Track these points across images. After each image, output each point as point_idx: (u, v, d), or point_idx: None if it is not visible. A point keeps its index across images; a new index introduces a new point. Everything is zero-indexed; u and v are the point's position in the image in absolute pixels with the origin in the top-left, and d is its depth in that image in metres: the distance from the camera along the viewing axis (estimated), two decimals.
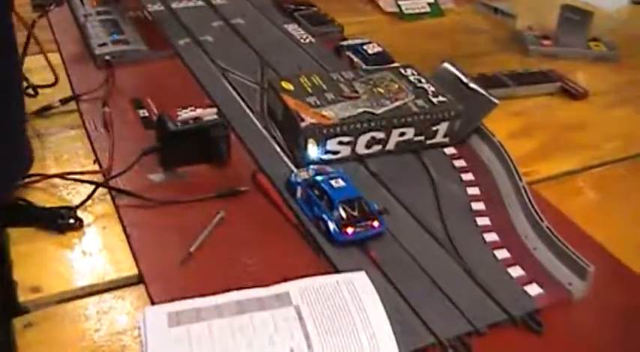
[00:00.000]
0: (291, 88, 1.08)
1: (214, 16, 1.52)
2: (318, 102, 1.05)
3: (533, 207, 0.93)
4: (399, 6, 1.63)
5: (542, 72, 1.38)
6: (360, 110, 1.03)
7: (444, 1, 1.69)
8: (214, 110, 1.00)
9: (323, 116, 1.01)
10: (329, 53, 1.36)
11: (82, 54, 1.34)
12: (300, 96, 1.06)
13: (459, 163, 1.06)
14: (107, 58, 1.28)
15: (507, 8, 1.70)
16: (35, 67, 1.18)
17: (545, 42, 1.53)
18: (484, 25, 1.66)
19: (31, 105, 1.14)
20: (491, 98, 1.09)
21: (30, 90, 1.16)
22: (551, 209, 0.98)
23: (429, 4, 1.66)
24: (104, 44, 1.31)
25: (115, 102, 1.15)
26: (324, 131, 1.00)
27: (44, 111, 1.14)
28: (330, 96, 1.07)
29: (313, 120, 1.00)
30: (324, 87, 1.09)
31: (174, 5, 1.56)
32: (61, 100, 1.16)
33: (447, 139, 1.09)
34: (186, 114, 0.99)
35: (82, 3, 1.49)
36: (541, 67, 1.41)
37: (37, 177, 0.96)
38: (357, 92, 1.08)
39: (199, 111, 1.00)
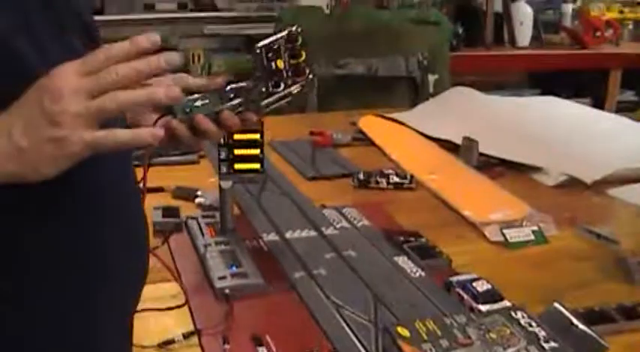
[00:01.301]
0: (407, 334, 1.12)
1: (326, 246, 1.59)
2: (434, 350, 1.08)
3: None
4: (503, 234, 1.67)
5: None
6: None
7: (547, 228, 1.73)
8: None
9: None
10: (439, 288, 1.40)
11: (201, 284, 1.41)
12: (416, 343, 1.10)
13: None
14: (227, 291, 1.34)
15: (609, 234, 1.71)
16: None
17: None
18: (587, 251, 1.68)
19: (154, 336, 1.20)
20: (602, 342, 1.11)
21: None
22: None
23: (533, 232, 1.69)
24: (224, 277, 1.38)
25: (235, 338, 1.21)
26: None
27: (167, 345, 1.20)
28: (444, 342, 1.10)
29: None
30: (439, 333, 1.13)
31: (287, 235, 1.64)
32: (183, 334, 1.22)
33: None
34: None
35: (201, 233, 1.58)
36: None
37: None
38: (470, 338, 1.11)
39: None
